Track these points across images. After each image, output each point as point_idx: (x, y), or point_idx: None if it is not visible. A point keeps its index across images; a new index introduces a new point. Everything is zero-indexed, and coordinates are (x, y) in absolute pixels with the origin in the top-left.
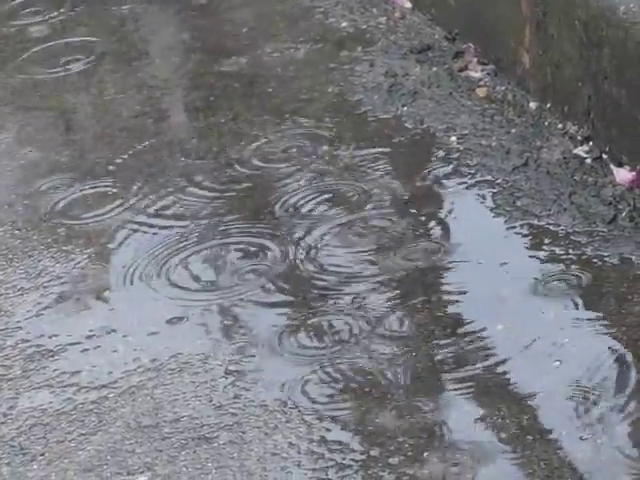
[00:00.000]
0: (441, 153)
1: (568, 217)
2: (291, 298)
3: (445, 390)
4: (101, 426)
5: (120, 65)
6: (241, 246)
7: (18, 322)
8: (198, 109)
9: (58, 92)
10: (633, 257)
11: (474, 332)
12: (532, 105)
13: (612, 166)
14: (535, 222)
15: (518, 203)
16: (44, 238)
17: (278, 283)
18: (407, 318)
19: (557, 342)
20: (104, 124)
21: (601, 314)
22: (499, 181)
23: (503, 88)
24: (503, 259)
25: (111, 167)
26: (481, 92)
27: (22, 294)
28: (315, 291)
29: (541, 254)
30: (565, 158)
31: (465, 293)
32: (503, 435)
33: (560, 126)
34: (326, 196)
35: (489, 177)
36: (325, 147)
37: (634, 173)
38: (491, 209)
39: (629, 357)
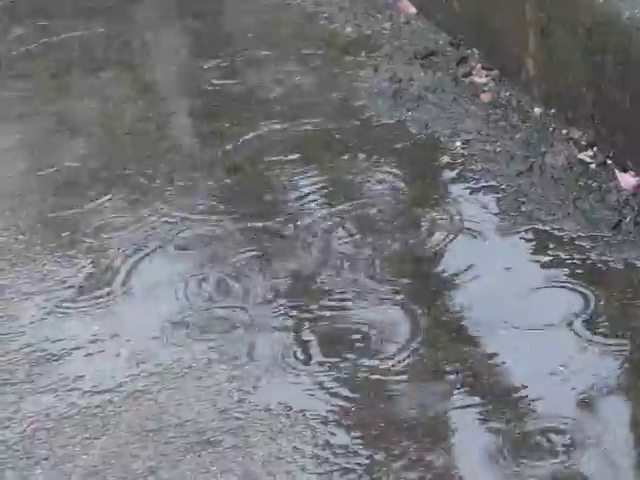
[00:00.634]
0: (445, 158)
1: (572, 222)
2: (296, 303)
3: (450, 395)
4: (105, 430)
5: (122, 70)
6: (246, 251)
7: (22, 326)
8: (201, 115)
9: (61, 98)
10: (637, 262)
11: (478, 337)
12: (536, 110)
13: (616, 171)
14: (539, 227)
15: (523, 208)
16: (48, 243)
17: (282, 289)
18: (411, 323)
19: (561, 347)
20: (107, 129)
21: (606, 318)
22: (503, 186)
23: (507, 94)
24: (507, 264)
25: (114, 172)
26: (485, 97)
27: (26, 298)
28: (320, 301)
29: (545, 259)
30: (569, 163)
31: (469, 298)
32: (506, 439)
33: (564, 131)
34: (328, 200)
35: (494, 182)
36: (329, 152)
37: (638, 178)
38: (496, 214)
39: (634, 362)
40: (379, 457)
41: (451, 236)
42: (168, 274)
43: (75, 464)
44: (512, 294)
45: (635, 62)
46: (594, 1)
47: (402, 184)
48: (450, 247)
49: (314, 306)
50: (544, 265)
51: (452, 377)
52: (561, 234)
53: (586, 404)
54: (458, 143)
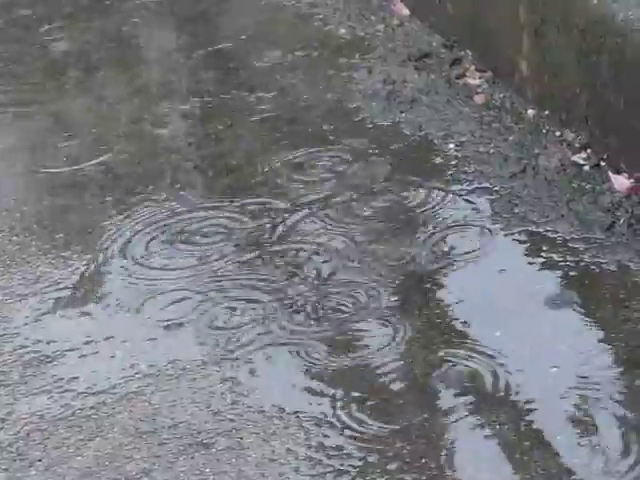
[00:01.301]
0: (439, 160)
1: (566, 224)
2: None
3: (443, 397)
4: (99, 432)
5: (119, 71)
6: (240, 248)
7: (16, 328)
8: (196, 116)
9: (57, 98)
10: (631, 264)
11: (472, 339)
12: (530, 112)
13: (610, 173)
14: (533, 229)
15: (516, 210)
16: (42, 244)
17: (278, 295)
18: (405, 325)
19: (555, 349)
20: (102, 130)
21: (599, 321)
22: (497, 188)
23: (501, 95)
24: (501, 266)
25: (109, 172)
26: (479, 99)
27: (20, 300)
28: (316, 302)
29: (539, 261)
30: (563, 165)
31: (463, 300)
32: (501, 441)
33: (558, 133)
34: (323, 202)
35: (487, 184)
36: (324, 154)
37: (632, 180)
38: (489, 216)
39: (627, 364)
40: (373, 459)
41: (445, 238)
42: (165, 275)
43: (69, 465)
44: (506, 296)
45: (629, 63)
46: (588, 2)
47: (396, 186)
48: (444, 249)
49: (310, 305)
50: (538, 267)
51: (445, 379)
52: (554, 236)
53: (578, 407)
54: (452, 145)
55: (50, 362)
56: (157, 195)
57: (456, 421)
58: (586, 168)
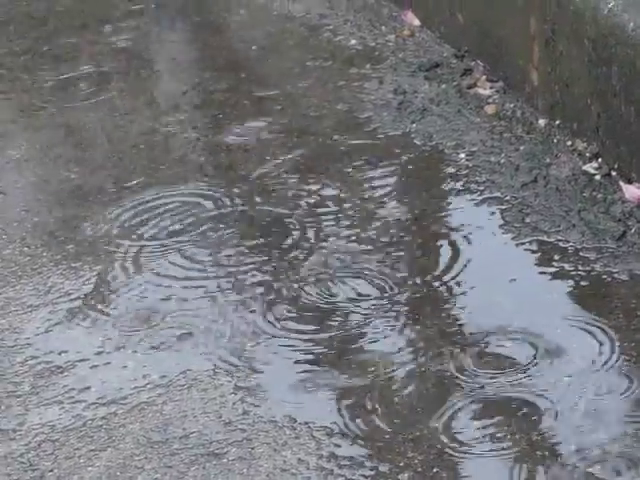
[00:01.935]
0: (450, 170)
1: (577, 233)
2: (304, 315)
3: (455, 406)
4: (110, 442)
5: (130, 82)
6: (250, 265)
7: (27, 339)
8: (207, 126)
9: (67, 109)
10: None
11: (483, 348)
12: (541, 122)
13: (621, 183)
14: (544, 238)
15: (527, 220)
16: (53, 255)
17: (286, 304)
18: (416, 334)
19: (567, 358)
20: (114, 141)
21: (611, 330)
22: (508, 198)
23: (512, 105)
24: (512, 275)
25: (120, 184)
26: (490, 109)
27: (31, 311)
28: (323, 306)
29: (550, 270)
30: (574, 175)
31: (474, 309)
32: (513, 450)
33: (569, 143)
34: (334, 213)
35: (498, 194)
36: (335, 164)
37: None
38: (500, 226)
39: (639, 373)
40: (384, 469)
41: (455, 248)
42: (175, 286)
43: (80, 476)
44: (517, 305)
45: None
46: (599, 13)
47: (407, 196)
48: (455, 258)
49: (319, 314)
50: (549, 277)
51: (457, 387)
52: (566, 245)
53: (590, 417)
54: (462, 155)
55: (61, 373)
56: (169, 206)
57: (468, 430)
58: (597, 178)
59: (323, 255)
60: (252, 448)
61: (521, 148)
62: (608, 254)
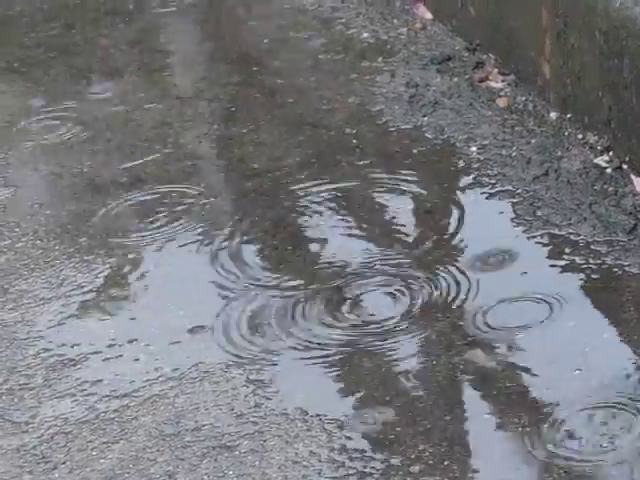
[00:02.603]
0: (461, 163)
1: (588, 227)
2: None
3: (466, 399)
4: (123, 435)
5: (142, 75)
6: (262, 253)
7: (40, 331)
8: (219, 119)
9: (80, 103)
10: None
11: (495, 342)
12: (552, 115)
13: (632, 176)
14: (555, 232)
15: (538, 213)
16: (66, 248)
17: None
18: (427, 327)
19: (578, 351)
20: (127, 134)
21: (622, 323)
22: (519, 191)
23: (523, 98)
24: (523, 269)
25: (133, 177)
26: (501, 102)
27: (44, 304)
28: (338, 305)
29: (561, 264)
30: (585, 168)
31: (485, 302)
32: (524, 443)
33: (580, 136)
34: (345, 206)
35: (509, 187)
36: (346, 157)
37: None
38: (511, 219)
39: None
40: (395, 461)
41: (467, 241)
42: (188, 279)
43: (93, 468)
44: (529, 298)
45: None
46: (610, 5)
47: (418, 189)
48: (466, 251)
49: (332, 307)
50: (560, 270)
51: (467, 380)
52: (577, 239)
53: (601, 410)
54: (474, 148)
55: (74, 365)
56: (182, 199)
57: (479, 423)
58: (608, 171)
59: (335, 249)
60: (264, 441)
61: (532, 141)
62: (619, 247)
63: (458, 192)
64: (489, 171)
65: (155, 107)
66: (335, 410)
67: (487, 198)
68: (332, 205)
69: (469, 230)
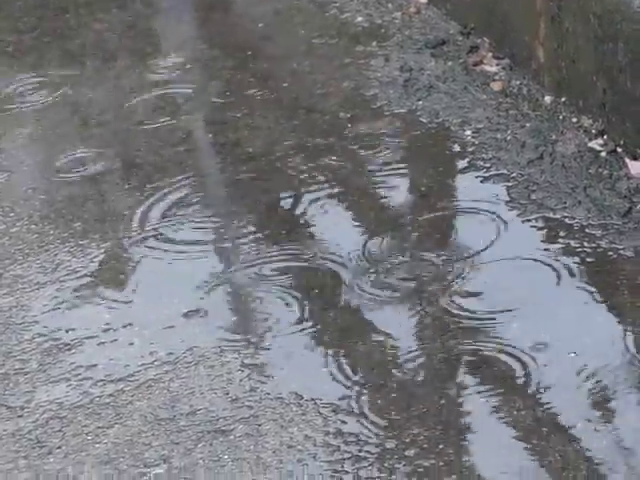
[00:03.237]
0: (456, 147)
1: (583, 210)
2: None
3: (460, 383)
4: (118, 419)
5: (136, 60)
6: (257, 236)
7: (35, 316)
8: (214, 104)
9: (74, 88)
10: None
11: (489, 325)
12: (547, 99)
13: (627, 159)
14: (550, 215)
15: (533, 196)
16: (60, 232)
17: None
18: (423, 313)
19: (572, 335)
20: (120, 119)
21: (616, 307)
22: (514, 175)
23: (518, 82)
24: (518, 253)
25: (127, 162)
26: (496, 86)
27: (39, 288)
28: (334, 295)
29: (556, 247)
30: (580, 151)
31: (480, 286)
32: (519, 427)
33: (575, 120)
34: (340, 190)
35: (504, 171)
36: (340, 141)
37: None
38: (506, 202)
39: None
40: (390, 445)
41: (461, 225)
42: (183, 264)
43: (88, 453)
44: (523, 282)
45: None
46: None
47: (413, 173)
48: (460, 236)
49: (329, 295)
50: (555, 253)
51: (464, 365)
52: (571, 222)
53: (595, 393)
54: (468, 132)
55: (69, 350)
56: (176, 184)
57: (473, 407)
58: (603, 154)
59: (329, 233)
60: (259, 425)
61: (527, 125)
62: (614, 230)
63: (453, 176)
64: (484, 155)
65: (149, 92)
66: (330, 394)
67: (482, 182)
68: (326, 189)
69: (464, 214)
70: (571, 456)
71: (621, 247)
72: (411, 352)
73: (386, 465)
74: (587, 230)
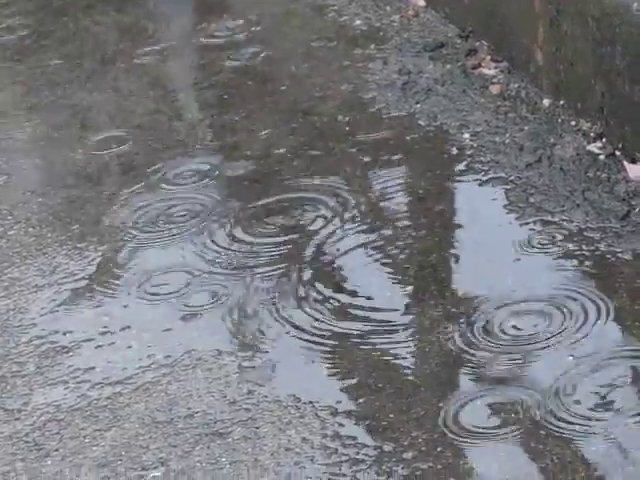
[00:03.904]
0: (454, 150)
1: (581, 213)
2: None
3: (459, 385)
4: (115, 422)
5: (134, 63)
6: (254, 239)
7: (32, 319)
8: (212, 106)
9: (73, 90)
10: None
11: (486, 327)
12: (545, 102)
13: (625, 162)
14: (548, 218)
15: (531, 199)
16: (58, 235)
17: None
18: (420, 313)
19: (571, 337)
20: (118, 122)
21: (615, 310)
22: (512, 178)
23: (516, 85)
24: (516, 255)
25: (125, 165)
26: (494, 89)
27: (36, 291)
28: (331, 285)
29: (554, 250)
30: (578, 155)
31: (479, 290)
32: (517, 429)
33: (573, 123)
34: (340, 192)
35: (502, 174)
36: (338, 144)
37: None
38: (504, 206)
39: None
40: (388, 448)
41: (460, 228)
42: (180, 266)
43: (85, 455)
44: (521, 286)
45: None
46: None
47: (411, 176)
48: (459, 238)
49: (324, 301)
50: (553, 256)
51: (460, 367)
52: (570, 225)
53: (594, 396)
54: (467, 135)
55: (66, 353)
56: (174, 187)
57: (471, 409)
58: (601, 157)
59: (327, 236)
60: (257, 427)
61: (525, 128)
62: (612, 234)
63: (451, 179)
64: (482, 158)
65: (147, 94)
66: (328, 397)
67: (480, 185)
68: (325, 192)
69: (462, 217)
70: (568, 459)
71: (619, 250)
72: (410, 354)
73: (384, 468)
74: (585, 233)
